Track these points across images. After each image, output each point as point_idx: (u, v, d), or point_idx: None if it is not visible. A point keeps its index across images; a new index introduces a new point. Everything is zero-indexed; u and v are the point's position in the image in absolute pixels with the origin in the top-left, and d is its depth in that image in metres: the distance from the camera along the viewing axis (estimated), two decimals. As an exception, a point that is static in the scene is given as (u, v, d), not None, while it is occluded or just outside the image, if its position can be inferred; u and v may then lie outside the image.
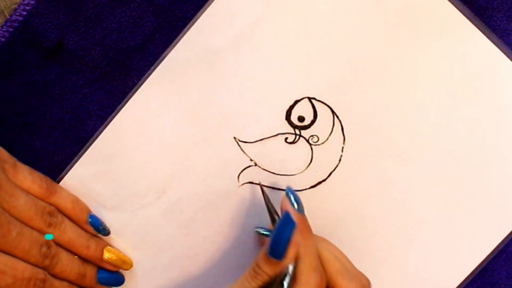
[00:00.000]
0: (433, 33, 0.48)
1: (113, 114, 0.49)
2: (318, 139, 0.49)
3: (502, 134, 0.49)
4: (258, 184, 0.49)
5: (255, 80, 0.48)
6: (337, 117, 0.49)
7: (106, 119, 0.49)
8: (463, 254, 0.50)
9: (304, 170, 0.49)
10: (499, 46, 0.48)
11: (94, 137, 0.49)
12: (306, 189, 0.49)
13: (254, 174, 0.49)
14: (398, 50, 0.48)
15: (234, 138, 0.49)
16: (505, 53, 0.48)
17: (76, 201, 0.48)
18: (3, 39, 0.48)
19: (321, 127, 0.49)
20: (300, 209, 0.44)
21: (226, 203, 0.49)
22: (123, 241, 0.50)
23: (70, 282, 0.47)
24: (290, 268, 0.42)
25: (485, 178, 0.49)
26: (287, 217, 0.42)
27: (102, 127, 0.49)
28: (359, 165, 0.49)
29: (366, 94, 0.49)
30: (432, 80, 0.48)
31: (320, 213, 0.50)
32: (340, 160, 0.49)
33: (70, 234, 0.47)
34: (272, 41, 0.48)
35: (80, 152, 0.49)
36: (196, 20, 0.48)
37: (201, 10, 0.48)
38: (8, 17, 0.48)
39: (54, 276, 0.46)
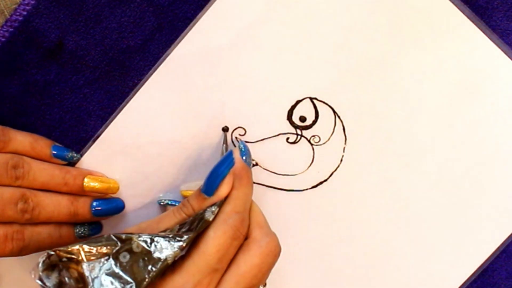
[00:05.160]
0: (433, 33, 0.48)
1: (114, 114, 0.49)
2: (320, 139, 0.49)
3: (503, 134, 0.49)
4: (224, 133, 0.49)
5: (257, 80, 0.48)
6: (339, 117, 0.49)
7: (106, 119, 0.49)
8: (464, 255, 0.50)
9: (306, 170, 0.49)
10: (500, 46, 0.48)
11: (94, 137, 0.49)
12: (307, 189, 0.49)
13: (255, 174, 0.49)
14: (399, 50, 0.48)
15: (236, 138, 0.49)
16: (505, 53, 0.48)
17: (35, 140, 0.46)
18: (3, 39, 0.48)
19: (323, 127, 0.49)
20: (247, 160, 0.44)
21: (228, 203, 0.49)
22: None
23: (63, 223, 0.46)
24: (215, 207, 0.41)
25: (486, 178, 0.49)
26: (228, 155, 0.43)
27: (103, 127, 0.49)
28: (361, 165, 0.49)
29: (368, 94, 0.49)
30: (432, 80, 0.49)
31: (321, 213, 0.50)
32: (341, 160, 0.49)
33: (42, 178, 0.45)
34: (273, 41, 0.48)
35: (81, 152, 0.49)
36: (198, 20, 0.48)
37: (203, 10, 0.48)
38: (8, 17, 0.48)
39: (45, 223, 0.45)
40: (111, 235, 0.40)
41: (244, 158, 0.44)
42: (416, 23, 0.48)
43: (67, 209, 0.46)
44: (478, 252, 0.50)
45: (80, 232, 0.47)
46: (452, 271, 0.50)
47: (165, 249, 0.39)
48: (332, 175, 0.49)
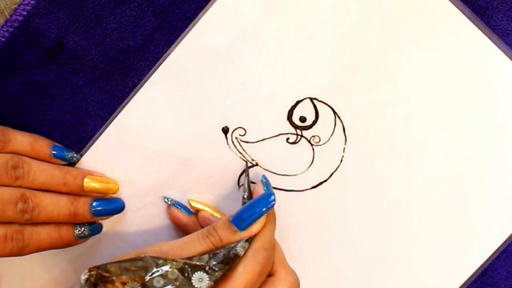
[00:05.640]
0: (433, 33, 0.48)
1: (114, 114, 0.49)
2: (320, 140, 0.49)
3: (503, 134, 0.49)
4: (245, 163, 0.49)
5: (257, 80, 0.48)
6: (339, 117, 0.49)
7: (106, 119, 0.49)
8: (464, 255, 0.50)
9: (306, 170, 0.49)
10: (500, 46, 0.48)
11: (95, 137, 0.49)
12: (307, 189, 0.49)
13: (255, 174, 0.49)
14: (399, 51, 0.48)
15: (236, 138, 0.49)
16: (505, 53, 0.48)
17: (35, 140, 0.46)
18: (3, 39, 0.48)
19: (323, 128, 0.49)
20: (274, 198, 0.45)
21: (227, 203, 0.49)
22: (124, 241, 0.50)
23: (63, 223, 0.46)
24: (244, 241, 0.42)
25: (486, 178, 0.49)
26: (268, 195, 0.43)
27: (103, 127, 0.49)
28: (361, 165, 0.49)
29: (368, 94, 0.49)
30: (432, 80, 0.49)
31: (321, 213, 0.50)
32: (341, 160, 0.49)
33: (42, 179, 0.45)
34: (273, 41, 0.48)
35: (81, 152, 0.49)
36: (198, 20, 0.48)
37: (203, 10, 0.48)
38: (8, 17, 0.48)
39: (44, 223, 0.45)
40: (148, 257, 0.40)
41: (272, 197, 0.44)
42: (416, 23, 0.48)
43: (67, 209, 0.46)
44: (478, 252, 0.50)
45: (80, 232, 0.47)
46: (452, 271, 0.50)
47: (201, 280, 0.40)
48: (332, 175, 0.49)
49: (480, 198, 0.50)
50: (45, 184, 0.46)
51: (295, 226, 0.50)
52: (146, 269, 0.40)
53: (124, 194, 0.49)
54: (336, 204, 0.50)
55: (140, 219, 0.49)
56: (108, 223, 0.49)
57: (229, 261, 0.41)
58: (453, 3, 0.48)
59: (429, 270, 0.50)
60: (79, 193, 0.47)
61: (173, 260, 0.40)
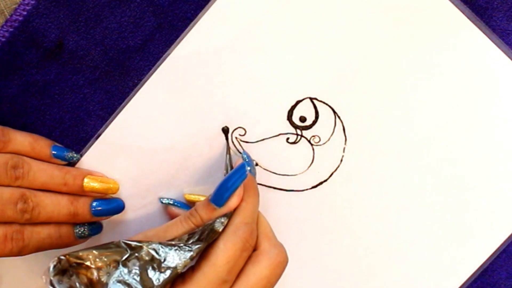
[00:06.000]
0: (433, 33, 0.48)
1: (114, 114, 0.49)
2: (320, 140, 0.49)
3: (503, 134, 0.49)
4: (226, 141, 0.49)
5: (257, 80, 0.48)
6: (339, 117, 0.49)
7: (106, 119, 0.49)
8: (464, 255, 0.50)
9: (306, 170, 0.49)
10: (499, 46, 0.48)
11: (95, 137, 0.49)
12: (307, 189, 0.49)
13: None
14: (399, 50, 0.48)
15: (236, 138, 0.49)
16: (505, 53, 0.48)
17: (34, 140, 0.46)
18: (3, 39, 0.48)
19: (323, 128, 0.49)
20: (252, 171, 0.45)
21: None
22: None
23: (63, 223, 0.46)
24: (224, 217, 0.42)
25: (486, 178, 0.49)
26: (240, 167, 0.43)
27: (103, 127, 0.49)
28: (361, 165, 0.49)
29: (368, 94, 0.49)
30: (432, 80, 0.49)
31: (321, 213, 0.50)
32: (341, 160, 0.49)
33: (42, 179, 0.45)
34: (273, 41, 0.48)
35: (81, 152, 0.49)
36: (198, 20, 0.48)
37: (203, 11, 0.48)
38: (8, 17, 0.48)
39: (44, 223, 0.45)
40: (121, 242, 0.40)
41: (249, 168, 0.44)
42: (416, 23, 0.48)
43: (67, 209, 0.46)
44: (478, 252, 0.50)
45: (80, 232, 0.47)
46: (452, 271, 0.50)
47: (175, 258, 0.39)
48: (332, 175, 0.49)
49: (480, 198, 0.50)
50: (45, 184, 0.46)
51: (295, 226, 0.50)
52: (121, 253, 0.39)
53: (124, 194, 0.49)
54: (336, 204, 0.50)
55: (140, 219, 0.49)
56: (108, 223, 0.49)
57: (207, 238, 0.40)
58: (453, 3, 0.48)
59: (429, 270, 0.50)
60: (79, 193, 0.47)
61: (147, 242, 0.40)
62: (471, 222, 0.50)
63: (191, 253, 0.39)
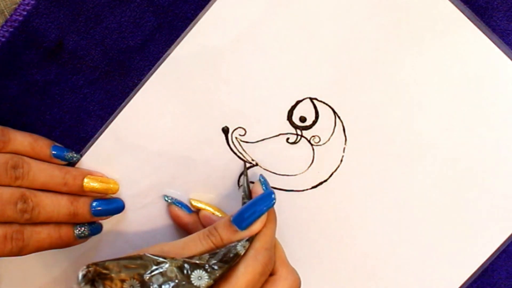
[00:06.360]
0: (433, 33, 0.48)
1: (114, 114, 0.49)
2: (320, 140, 0.49)
3: (503, 134, 0.49)
4: (244, 163, 0.49)
5: (257, 80, 0.48)
6: (339, 117, 0.49)
7: (106, 119, 0.49)
8: (464, 255, 0.50)
9: (306, 170, 0.49)
10: (499, 46, 0.48)
11: (95, 137, 0.49)
12: (307, 189, 0.49)
13: (255, 175, 0.49)
14: (399, 51, 0.48)
15: (236, 138, 0.49)
16: (505, 53, 0.48)
17: (34, 140, 0.46)
18: (3, 39, 0.48)
19: (323, 128, 0.49)
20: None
21: (228, 203, 0.49)
22: (124, 241, 0.50)
23: (63, 223, 0.46)
24: (244, 241, 0.42)
25: (486, 178, 0.49)
26: (269, 194, 0.43)
27: (103, 127, 0.49)
28: (361, 165, 0.49)
29: (368, 94, 0.49)
30: (432, 80, 0.49)
31: (321, 213, 0.50)
32: (341, 160, 0.49)
33: (42, 178, 0.45)
34: (273, 41, 0.48)
35: (81, 152, 0.49)
36: (198, 20, 0.48)
37: (203, 10, 0.48)
38: (8, 17, 0.48)
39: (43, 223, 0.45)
40: (146, 255, 0.40)
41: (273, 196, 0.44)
42: (416, 23, 0.48)
43: (66, 209, 0.46)
44: (478, 252, 0.50)
45: (80, 232, 0.47)
46: (452, 271, 0.50)
47: (200, 278, 0.40)
48: (332, 176, 0.49)
49: (480, 198, 0.50)
50: (45, 184, 0.46)
51: (295, 226, 0.50)
52: (145, 267, 0.40)
53: (124, 194, 0.49)
54: (336, 204, 0.50)
55: (140, 219, 0.49)
56: (108, 223, 0.49)
57: (229, 260, 0.41)
58: (453, 3, 0.48)
59: (429, 270, 0.50)
60: (79, 193, 0.47)
61: (172, 258, 0.40)
62: (471, 222, 0.50)
63: (215, 275, 0.40)
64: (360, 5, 0.48)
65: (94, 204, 0.47)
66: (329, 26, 0.48)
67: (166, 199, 0.49)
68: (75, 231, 0.47)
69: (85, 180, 0.47)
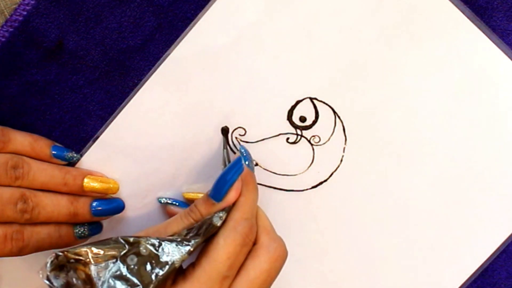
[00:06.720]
0: (433, 33, 0.48)
1: (114, 114, 0.49)
2: (320, 140, 0.49)
3: (503, 134, 0.49)
4: (223, 136, 0.49)
5: (257, 80, 0.48)
6: (339, 117, 0.49)
7: (106, 119, 0.49)
8: (464, 255, 0.50)
9: (306, 170, 0.49)
10: (499, 46, 0.48)
11: (95, 137, 0.49)
12: (307, 189, 0.49)
13: (255, 174, 0.49)
14: (399, 51, 0.48)
15: (236, 138, 0.49)
16: (505, 53, 0.48)
17: (34, 140, 0.46)
18: (3, 39, 0.48)
19: (323, 128, 0.49)
20: (250, 165, 0.44)
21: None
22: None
23: (63, 223, 0.46)
24: (223, 212, 0.42)
25: (486, 178, 0.49)
26: (237, 161, 0.43)
27: (103, 127, 0.49)
28: (361, 165, 0.49)
29: (368, 94, 0.49)
30: (432, 80, 0.49)
31: (321, 213, 0.50)
32: (341, 160, 0.49)
33: (42, 178, 0.45)
34: (273, 41, 0.48)
35: (81, 152, 0.49)
36: (198, 20, 0.48)
37: (203, 10, 0.48)
38: (8, 17, 0.48)
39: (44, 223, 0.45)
40: (119, 238, 0.40)
41: (247, 163, 0.44)
42: (416, 23, 0.48)
43: (66, 209, 0.46)
44: (478, 252, 0.50)
45: (80, 232, 0.47)
46: (452, 271, 0.50)
47: (172, 253, 0.39)
48: (332, 175, 0.49)
49: (480, 198, 0.50)
50: (45, 184, 0.46)
51: (295, 226, 0.50)
52: (119, 249, 0.39)
53: (124, 194, 0.49)
54: (336, 204, 0.50)
55: (140, 219, 0.49)
56: (108, 223, 0.49)
57: (205, 232, 0.40)
58: (453, 3, 0.48)
59: (429, 270, 0.50)
60: (79, 193, 0.47)
61: (145, 237, 0.40)
62: (471, 222, 0.50)
63: (189, 247, 0.39)
64: (360, 5, 0.48)
65: (94, 204, 0.47)
66: (329, 26, 0.48)
67: (161, 201, 0.49)
68: (75, 231, 0.47)
69: (85, 180, 0.47)
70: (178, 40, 0.48)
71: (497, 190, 0.49)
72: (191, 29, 0.48)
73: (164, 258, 0.39)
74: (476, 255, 0.50)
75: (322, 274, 0.50)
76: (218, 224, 0.41)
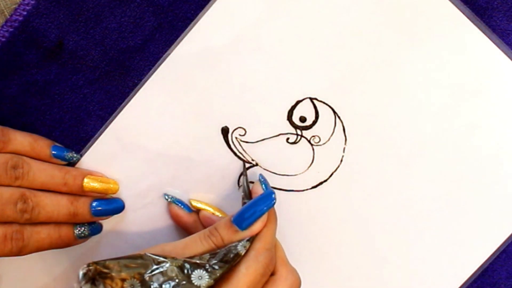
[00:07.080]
0: (433, 33, 0.48)
1: (114, 114, 0.49)
2: (320, 140, 0.49)
3: (503, 134, 0.49)
4: (243, 163, 0.49)
5: (257, 80, 0.48)
6: (339, 117, 0.49)
7: (106, 119, 0.49)
8: (464, 255, 0.50)
9: (306, 170, 0.49)
10: (499, 46, 0.48)
11: (95, 137, 0.49)
12: (307, 189, 0.49)
13: (255, 175, 0.49)
14: (399, 51, 0.48)
15: (236, 138, 0.49)
16: (505, 53, 0.48)
17: (34, 140, 0.46)
18: (3, 39, 0.48)
19: (323, 128, 0.49)
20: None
21: (228, 203, 0.49)
22: (124, 241, 0.50)
23: (63, 223, 0.46)
24: (245, 241, 0.42)
25: (486, 178, 0.49)
26: (269, 194, 0.43)
27: (103, 127, 0.49)
28: (361, 165, 0.49)
29: (368, 94, 0.49)
30: (432, 80, 0.49)
31: (321, 213, 0.50)
32: (341, 160, 0.49)
33: (42, 178, 0.45)
34: (273, 41, 0.48)
35: (81, 152, 0.49)
36: (198, 20, 0.48)
37: (203, 10, 0.48)
38: (8, 17, 0.48)
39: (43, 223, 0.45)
40: (147, 255, 0.40)
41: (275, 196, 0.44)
42: (416, 23, 0.48)
43: (66, 209, 0.46)
44: (478, 252, 0.50)
45: (80, 232, 0.47)
46: (452, 271, 0.50)
47: (200, 278, 0.40)
48: (332, 176, 0.49)
49: (480, 198, 0.50)
50: (45, 184, 0.46)
51: (295, 226, 0.50)
52: (146, 267, 0.40)
53: (124, 194, 0.49)
54: (336, 204, 0.50)
55: (140, 219, 0.49)
56: (108, 223, 0.49)
57: (230, 260, 0.41)
58: (453, 3, 0.48)
59: (429, 270, 0.50)
60: (79, 193, 0.47)
61: (173, 258, 0.40)
62: (471, 222, 0.50)
63: (216, 275, 0.40)
64: (360, 5, 0.48)
65: (94, 204, 0.47)
66: (329, 26, 0.48)
67: (166, 197, 0.49)
68: (75, 231, 0.47)
69: (85, 180, 0.47)
70: (178, 40, 0.48)
71: (497, 190, 0.50)
72: (191, 29, 0.48)
73: (190, 282, 0.40)
74: (476, 255, 0.50)
75: (322, 274, 0.50)
76: (243, 254, 0.42)
